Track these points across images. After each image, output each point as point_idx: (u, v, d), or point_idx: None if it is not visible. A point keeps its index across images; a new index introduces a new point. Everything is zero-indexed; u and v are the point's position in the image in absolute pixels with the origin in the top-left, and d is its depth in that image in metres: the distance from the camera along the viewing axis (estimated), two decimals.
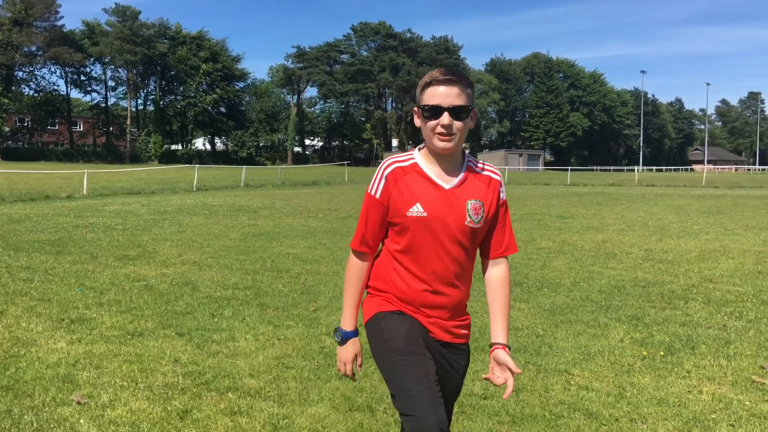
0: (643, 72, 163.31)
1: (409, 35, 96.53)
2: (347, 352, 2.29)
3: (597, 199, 23.80)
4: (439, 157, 2.19)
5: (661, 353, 4.83)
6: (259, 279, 7.68)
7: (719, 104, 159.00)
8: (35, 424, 3.43)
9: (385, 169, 2.22)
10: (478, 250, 2.34)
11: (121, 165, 60.94)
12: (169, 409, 3.68)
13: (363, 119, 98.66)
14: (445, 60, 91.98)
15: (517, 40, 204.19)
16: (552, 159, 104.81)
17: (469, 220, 2.17)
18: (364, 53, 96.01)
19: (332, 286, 7.25)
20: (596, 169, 79.21)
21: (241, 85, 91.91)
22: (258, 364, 4.52)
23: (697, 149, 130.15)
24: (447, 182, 2.18)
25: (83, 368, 4.35)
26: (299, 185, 32.95)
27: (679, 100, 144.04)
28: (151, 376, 4.23)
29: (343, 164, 51.64)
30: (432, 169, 2.19)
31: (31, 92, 78.25)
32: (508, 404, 3.81)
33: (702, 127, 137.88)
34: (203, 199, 21.43)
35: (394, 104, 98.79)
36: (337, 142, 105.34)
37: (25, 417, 3.53)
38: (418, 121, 2.20)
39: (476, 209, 2.18)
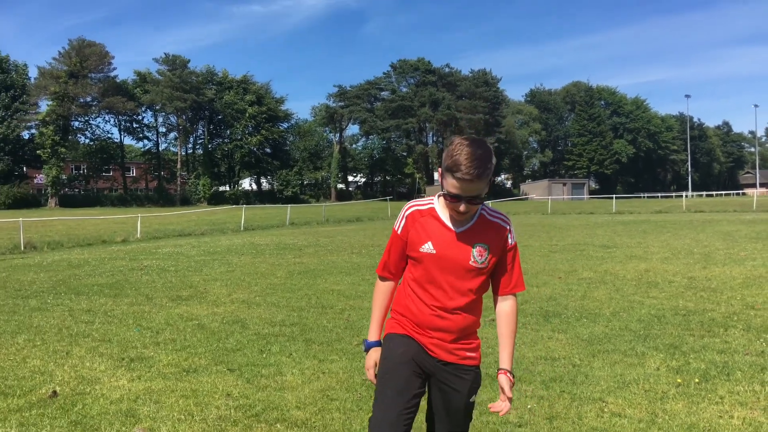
0: (687, 96, 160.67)
1: (447, 69, 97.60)
2: (369, 359, 2.68)
3: (642, 228, 23.51)
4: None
5: (696, 380, 4.91)
6: (304, 316, 7.99)
7: None
8: None
9: (406, 210, 2.59)
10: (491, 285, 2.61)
11: (172, 208, 62.80)
12: None
13: (404, 154, 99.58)
14: (485, 93, 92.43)
15: (555, 69, 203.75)
16: (597, 187, 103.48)
17: (473, 260, 2.46)
18: (404, 89, 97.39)
19: None
20: (643, 196, 77.80)
21: (285, 125, 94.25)
22: (304, 396, 4.79)
23: (748, 172, 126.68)
24: (458, 227, 2.49)
25: (144, 403, 4.69)
26: (343, 222, 33.46)
27: (726, 123, 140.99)
28: (205, 409, 4.54)
29: (386, 200, 52.12)
30: (446, 215, 2.51)
31: (87, 141, 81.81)
32: (541, 430, 3.97)
33: (752, 149, 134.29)
34: (250, 238, 22.04)
35: (435, 138, 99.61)
36: (379, 178, 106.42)
37: None
38: (438, 179, 2.53)
39: (481, 252, 2.47)
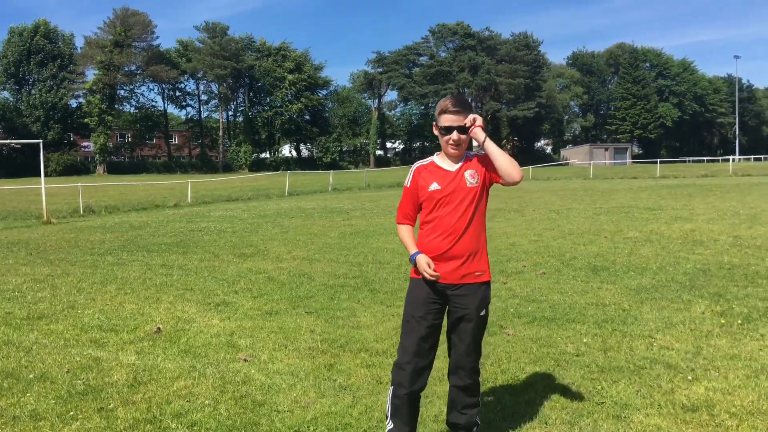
0: (736, 57, 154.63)
1: (487, 33, 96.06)
2: (421, 261, 3.15)
3: (687, 191, 23.45)
4: (449, 155, 3.24)
5: (739, 321, 5.33)
6: (365, 270, 8.56)
7: None
8: (218, 374, 4.40)
9: (413, 169, 3.33)
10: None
11: (215, 174, 64.17)
12: (317, 363, 4.57)
13: None
14: (525, 56, 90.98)
15: (599, 30, 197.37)
16: (640, 152, 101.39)
17: (468, 182, 3.19)
18: (443, 54, 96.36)
19: None
20: (688, 161, 76.16)
21: (324, 92, 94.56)
22: (380, 333, 5.36)
23: None
24: (452, 167, 3.24)
25: (240, 337, 5.33)
26: (384, 187, 33.97)
27: None
28: (295, 341, 5.16)
29: None
30: (443, 162, 3.26)
31: (132, 109, 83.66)
32: (597, 359, 4.47)
33: None
34: (297, 203, 22.75)
35: (474, 104, 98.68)
36: (417, 144, 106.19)
37: (208, 370, 4.50)
38: (436, 132, 3.25)
39: (472, 175, 3.22)
